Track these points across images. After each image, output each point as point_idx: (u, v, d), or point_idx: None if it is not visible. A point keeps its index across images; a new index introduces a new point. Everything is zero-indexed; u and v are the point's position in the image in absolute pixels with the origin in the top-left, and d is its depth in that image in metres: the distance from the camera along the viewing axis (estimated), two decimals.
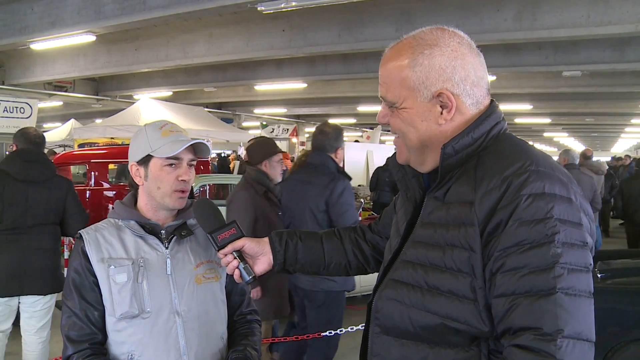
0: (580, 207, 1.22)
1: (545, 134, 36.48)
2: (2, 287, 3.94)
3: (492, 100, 1.39)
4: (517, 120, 24.38)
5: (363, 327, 1.51)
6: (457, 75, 1.31)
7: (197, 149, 1.84)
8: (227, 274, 1.89)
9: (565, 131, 35.03)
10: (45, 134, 16.88)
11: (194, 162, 1.85)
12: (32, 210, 3.99)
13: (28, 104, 13.29)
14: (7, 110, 12.85)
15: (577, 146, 43.31)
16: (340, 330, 4.97)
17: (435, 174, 1.38)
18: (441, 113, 1.33)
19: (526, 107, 18.97)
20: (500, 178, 1.22)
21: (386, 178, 12.06)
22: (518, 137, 1.39)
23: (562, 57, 11.30)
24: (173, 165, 1.79)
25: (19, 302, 4.07)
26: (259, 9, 7.73)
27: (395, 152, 1.51)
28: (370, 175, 12.97)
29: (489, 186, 1.23)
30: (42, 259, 4.03)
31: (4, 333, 4.09)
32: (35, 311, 4.08)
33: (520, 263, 1.16)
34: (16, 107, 13.05)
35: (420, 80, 1.32)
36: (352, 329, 4.93)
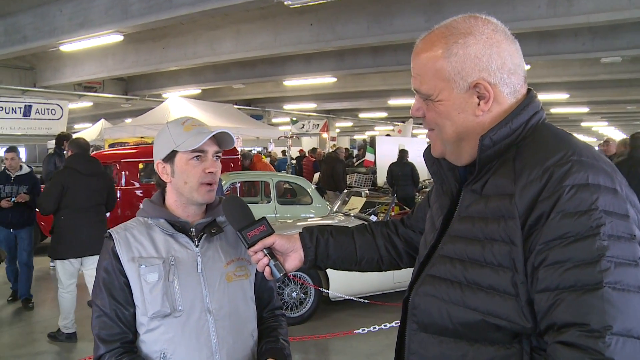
0: (626, 198, 1.18)
1: (583, 124, 35.78)
2: (81, 249, 5.60)
3: (529, 89, 1.36)
4: (554, 110, 23.98)
5: (397, 324, 1.48)
6: (493, 63, 1.28)
7: (221, 141, 1.85)
8: (256, 271, 1.90)
9: (604, 120, 34.32)
10: (76, 134, 17.39)
11: (220, 154, 1.85)
12: (93, 195, 5.72)
13: (59, 105, 13.60)
14: (39, 112, 13.18)
15: (618, 135, 42.37)
16: (374, 328, 4.96)
17: (471, 166, 1.35)
18: (478, 104, 1.31)
19: (563, 96, 18.66)
20: (541, 169, 1.19)
21: (399, 173, 12.13)
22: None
23: (600, 43, 11.03)
24: (198, 159, 1.79)
25: (81, 264, 5.70)
26: (285, 3, 7.74)
27: (428, 146, 1.48)
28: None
29: (530, 177, 1.20)
30: (100, 229, 5.36)
31: (73, 284, 5.68)
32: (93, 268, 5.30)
33: (563, 256, 1.12)
34: (47, 109, 13.37)
35: (456, 71, 1.29)
36: (385, 326, 4.92)
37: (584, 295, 1.09)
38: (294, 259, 1.71)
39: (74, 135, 17.56)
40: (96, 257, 5.09)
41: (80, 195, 5.61)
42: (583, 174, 1.16)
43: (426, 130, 1.43)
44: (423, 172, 12.72)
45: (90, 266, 5.61)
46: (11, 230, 6.78)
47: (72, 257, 5.61)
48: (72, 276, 5.67)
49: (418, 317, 1.37)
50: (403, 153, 12.74)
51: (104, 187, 5.84)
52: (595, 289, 1.09)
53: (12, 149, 6.94)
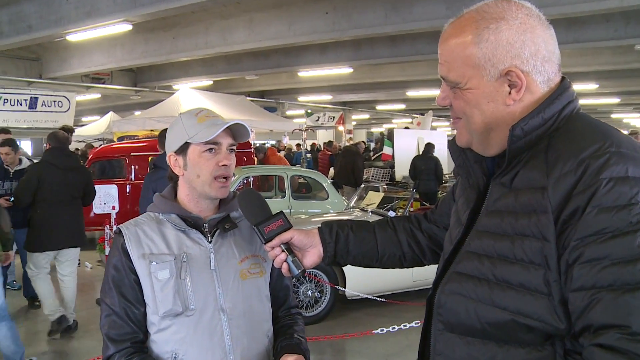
0: None
1: (613, 115, 35.34)
2: (58, 241, 5.91)
3: (563, 77, 1.34)
4: (581, 102, 23.54)
5: (417, 325, 1.47)
6: (526, 50, 1.26)
7: (236, 133, 1.84)
8: (272, 268, 1.89)
9: (637, 111, 33.88)
10: (84, 127, 17.43)
11: (234, 147, 1.84)
12: (69, 189, 5.99)
13: (66, 97, 13.66)
14: (45, 105, 13.24)
15: None
16: (393, 328, 4.94)
17: (500, 158, 1.33)
18: (509, 93, 1.28)
19: (591, 86, 18.46)
20: (576, 161, 1.17)
21: (422, 167, 12.09)
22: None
23: (634, 29, 10.85)
24: (212, 151, 1.78)
25: (55, 258, 6.03)
26: None
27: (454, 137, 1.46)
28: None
29: (564, 170, 1.17)
30: (76, 222, 6.07)
31: (47, 271, 5.95)
32: (70, 260, 6.10)
33: (601, 253, 1.10)
34: (54, 101, 13.42)
35: (487, 58, 1.27)
36: (405, 326, 4.90)
37: (623, 295, 1.07)
38: (312, 254, 1.70)
39: (80, 129, 17.77)
40: (71, 250, 6.12)
41: (56, 189, 5.88)
42: (622, 167, 1.13)
43: (447, 123, 1.40)
44: (445, 167, 12.66)
45: (64, 258, 6.04)
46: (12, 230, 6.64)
47: (49, 250, 5.89)
48: (46, 264, 5.96)
49: (444, 316, 1.36)
50: (429, 147, 12.69)
51: (80, 181, 6.12)
52: (637, 288, 1.06)
53: (6, 142, 6.69)
